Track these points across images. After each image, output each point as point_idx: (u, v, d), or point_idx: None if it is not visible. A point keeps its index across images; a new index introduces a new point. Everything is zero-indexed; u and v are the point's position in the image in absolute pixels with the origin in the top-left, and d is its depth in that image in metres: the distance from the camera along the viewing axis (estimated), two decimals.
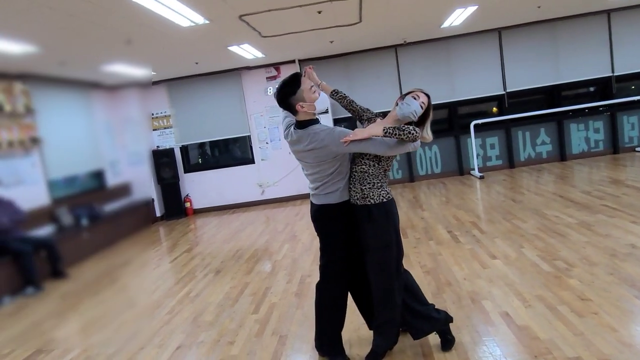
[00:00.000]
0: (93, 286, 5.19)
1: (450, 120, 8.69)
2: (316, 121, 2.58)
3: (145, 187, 8.37)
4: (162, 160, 8.55)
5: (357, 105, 2.87)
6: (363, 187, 2.56)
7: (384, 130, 2.40)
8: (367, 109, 2.87)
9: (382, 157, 2.56)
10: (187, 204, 8.79)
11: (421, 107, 2.57)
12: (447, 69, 8.40)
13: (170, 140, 8.76)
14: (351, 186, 2.60)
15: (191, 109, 8.63)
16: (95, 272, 5.73)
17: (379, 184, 2.57)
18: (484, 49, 8.31)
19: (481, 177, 8.05)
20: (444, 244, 4.69)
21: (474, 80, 8.38)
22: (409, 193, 7.77)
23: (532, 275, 3.54)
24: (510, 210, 5.59)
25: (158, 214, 8.65)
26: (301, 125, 2.56)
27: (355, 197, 2.58)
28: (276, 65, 8.45)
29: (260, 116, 8.53)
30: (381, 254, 2.56)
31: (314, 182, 2.65)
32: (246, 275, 4.64)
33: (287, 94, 2.51)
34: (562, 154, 8.46)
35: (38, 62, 5.53)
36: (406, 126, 2.41)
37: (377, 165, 2.57)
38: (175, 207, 8.67)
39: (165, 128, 8.76)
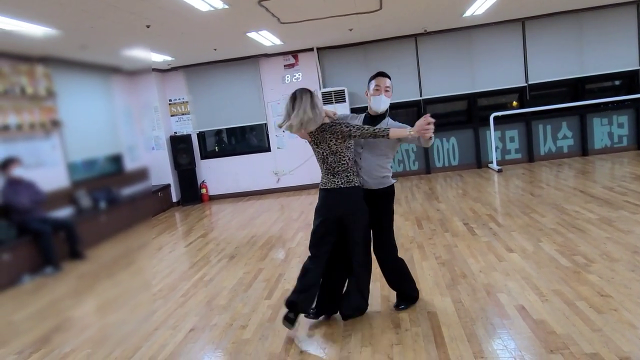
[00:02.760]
0: (109, 267, 5.28)
1: (470, 112, 8.55)
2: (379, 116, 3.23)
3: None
4: (179, 146, 8.61)
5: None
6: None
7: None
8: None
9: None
10: (203, 190, 8.86)
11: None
12: (468, 60, 8.25)
13: (187, 127, 8.81)
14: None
15: (209, 95, 8.65)
16: (112, 254, 5.82)
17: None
18: (506, 39, 8.13)
19: (499, 171, 7.92)
20: (460, 236, 4.63)
21: (495, 71, 8.22)
22: (425, 185, 7.69)
23: (549, 270, 3.47)
24: (529, 204, 5.49)
25: (174, 199, 8.73)
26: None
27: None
28: (294, 53, 8.40)
29: (277, 104, 8.50)
30: None
31: None
32: (260, 261, 4.65)
33: None
34: (584, 148, 8.27)
35: (59, 45, 5.58)
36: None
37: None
38: (192, 193, 8.74)
39: (182, 114, 8.80)
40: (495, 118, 8.05)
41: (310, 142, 3.03)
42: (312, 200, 7.49)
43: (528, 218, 4.93)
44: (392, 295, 3.36)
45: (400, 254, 4.24)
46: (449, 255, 4.10)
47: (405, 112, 8.72)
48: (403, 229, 5.16)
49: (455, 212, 5.59)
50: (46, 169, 6.02)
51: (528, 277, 3.39)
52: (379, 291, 3.47)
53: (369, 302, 3.19)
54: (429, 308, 3.10)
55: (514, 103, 8.60)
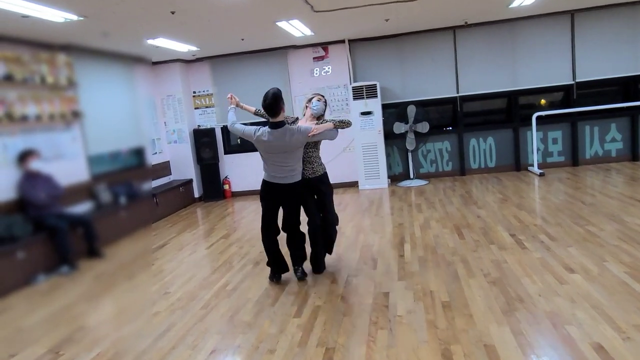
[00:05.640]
0: (128, 268, 5.00)
1: (509, 111, 8.01)
2: (285, 122, 3.71)
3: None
4: (202, 140, 8.32)
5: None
6: (312, 166, 3.95)
7: (334, 124, 3.78)
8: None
9: (318, 144, 3.99)
10: (226, 186, 8.56)
11: (324, 103, 4.03)
12: (511, 55, 7.70)
13: (211, 120, 8.51)
14: (307, 166, 3.91)
15: (234, 88, 8.28)
16: (131, 253, 5.55)
17: (319, 162, 4.00)
18: (553, 33, 7.55)
19: (541, 174, 7.38)
20: (508, 249, 4.18)
21: (539, 67, 7.65)
22: (460, 187, 7.21)
23: (623, 297, 3.01)
24: (581, 214, 4.99)
25: (196, 194, 8.46)
26: (278, 125, 3.64)
27: (309, 173, 3.93)
28: (324, 45, 7.99)
29: (305, 98, 8.11)
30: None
31: (289, 166, 3.74)
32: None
33: (281, 97, 3.65)
34: (634, 152, 7.66)
35: (81, 32, 5.30)
36: (345, 119, 3.89)
37: (317, 150, 3.99)
38: (214, 188, 8.46)
39: (207, 107, 8.50)
40: (538, 118, 7.51)
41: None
42: (339, 200, 7.10)
43: (583, 230, 4.44)
44: (439, 320, 2.97)
45: (442, 268, 3.90)
46: (498, 272, 3.67)
47: (441, 109, 8.24)
48: (441, 237, 4.73)
49: (498, 220, 5.12)
50: (65, 162, 5.79)
51: (598, 305, 2.94)
52: (423, 315, 3.07)
53: (415, 328, 2.81)
54: (486, 339, 2.68)
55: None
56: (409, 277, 3.77)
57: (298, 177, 3.82)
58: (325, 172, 4.04)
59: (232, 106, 4.12)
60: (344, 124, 3.83)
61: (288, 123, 3.85)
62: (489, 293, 3.29)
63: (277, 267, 4.01)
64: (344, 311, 3.27)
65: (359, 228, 5.46)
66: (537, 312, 2.93)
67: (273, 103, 3.56)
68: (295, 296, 3.64)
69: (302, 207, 4.01)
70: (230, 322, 3.31)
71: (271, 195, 3.84)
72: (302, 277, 3.97)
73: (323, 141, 4.09)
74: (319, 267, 4.11)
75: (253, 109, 4.23)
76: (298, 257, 4.04)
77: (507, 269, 3.70)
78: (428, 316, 3.04)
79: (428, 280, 3.65)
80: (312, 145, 3.92)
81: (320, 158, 4.04)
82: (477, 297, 3.26)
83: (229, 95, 4.18)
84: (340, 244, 4.90)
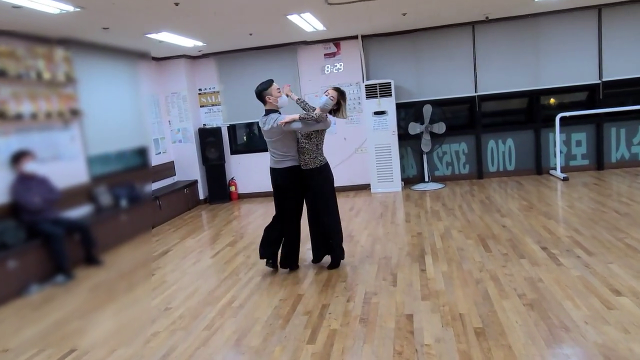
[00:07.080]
0: (127, 278, 4.68)
1: (530, 111, 7.61)
2: (275, 111, 3.95)
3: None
4: (208, 139, 7.99)
5: (309, 106, 4.26)
6: (304, 157, 4.00)
7: (299, 116, 3.80)
8: (314, 107, 4.11)
9: (312, 136, 3.95)
10: (232, 188, 8.23)
11: (330, 99, 3.92)
12: (533, 52, 7.29)
13: (217, 119, 8.17)
14: (299, 156, 4.01)
15: (241, 85, 7.96)
16: (132, 261, 5.23)
17: (314, 155, 3.99)
18: (578, 29, 7.14)
19: (565, 179, 6.98)
20: (541, 265, 3.80)
21: (563, 66, 7.24)
22: (479, 192, 6.83)
23: None
24: (617, 225, 4.60)
25: (201, 196, 8.13)
26: (266, 113, 3.95)
27: (302, 164, 4.02)
28: (336, 41, 7.63)
29: (315, 97, 7.73)
30: (330, 196, 4.16)
31: (278, 152, 3.98)
32: (297, 284, 3.95)
33: (262, 89, 3.91)
34: None
35: (80, 25, 4.98)
36: (315, 114, 3.83)
37: (310, 142, 3.96)
38: (220, 190, 8.13)
39: (213, 105, 8.17)
40: (561, 119, 7.10)
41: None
42: (351, 204, 6.73)
43: (623, 245, 4.05)
44: (474, 352, 2.60)
45: (470, 286, 3.56)
46: (534, 293, 3.29)
47: (458, 109, 7.86)
48: (466, 250, 4.36)
49: (525, 231, 4.74)
50: (63, 163, 5.47)
51: None
52: (454, 344, 2.71)
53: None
54: None
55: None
56: (433, 296, 3.41)
57: (290, 164, 3.99)
58: (320, 167, 4.03)
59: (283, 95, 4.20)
60: (311, 119, 3.80)
61: (309, 110, 4.15)
62: (527, 319, 2.93)
63: (269, 251, 4.29)
64: (364, 337, 2.91)
65: (374, 237, 5.10)
66: (587, 345, 2.56)
67: (257, 95, 3.96)
68: (308, 316, 3.29)
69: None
70: (236, 347, 2.97)
71: (275, 182, 4.09)
72: (272, 265, 4.32)
73: (328, 139, 4.26)
74: (317, 258, 4.34)
75: (295, 97, 4.36)
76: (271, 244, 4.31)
77: (544, 289, 3.33)
78: (460, 346, 2.68)
79: (456, 301, 3.29)
80: (304, 136, 3.97)
81: (314, 152, 3.99)
82: (514, 323, 2.89)
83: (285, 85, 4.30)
84: (356, 255, 4.54)
